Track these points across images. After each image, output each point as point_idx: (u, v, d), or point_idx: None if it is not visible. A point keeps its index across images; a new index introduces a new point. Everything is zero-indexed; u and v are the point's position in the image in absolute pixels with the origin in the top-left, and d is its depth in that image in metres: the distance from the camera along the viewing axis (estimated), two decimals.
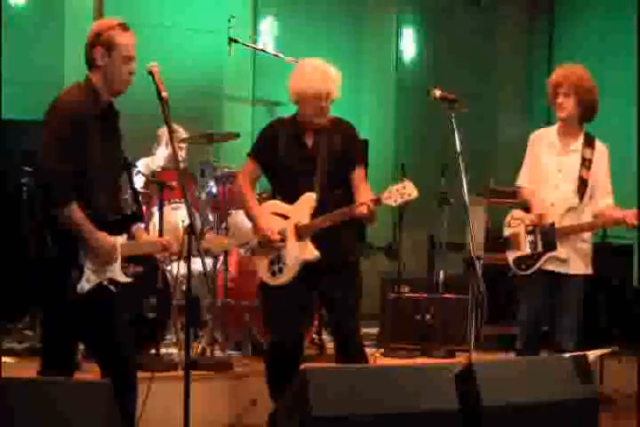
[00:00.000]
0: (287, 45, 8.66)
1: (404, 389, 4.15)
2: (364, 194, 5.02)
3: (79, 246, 4.16)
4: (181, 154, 7.15)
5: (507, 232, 5.73)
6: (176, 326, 6.36)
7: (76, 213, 4.12)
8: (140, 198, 6.56)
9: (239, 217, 6.70)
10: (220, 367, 5.91)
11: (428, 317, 7.14)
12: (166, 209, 6.37)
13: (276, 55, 7.74)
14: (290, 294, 5.06)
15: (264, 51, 8.07)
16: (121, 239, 4.31)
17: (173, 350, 6.25)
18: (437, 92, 5.11)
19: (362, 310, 5.20)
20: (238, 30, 7.98)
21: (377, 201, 4.86)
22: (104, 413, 3.64)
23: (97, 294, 4.21)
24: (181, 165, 6.88)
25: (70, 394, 3.68)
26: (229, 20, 7.79)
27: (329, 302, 5.15)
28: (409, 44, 10.00)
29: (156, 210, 6.47)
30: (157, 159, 7.38)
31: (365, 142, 5.47)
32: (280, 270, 5.09)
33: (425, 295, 7.26)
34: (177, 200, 6.62)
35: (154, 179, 6.58)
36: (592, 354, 4.69)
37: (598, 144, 5.65)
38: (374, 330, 7.49)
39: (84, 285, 4.16)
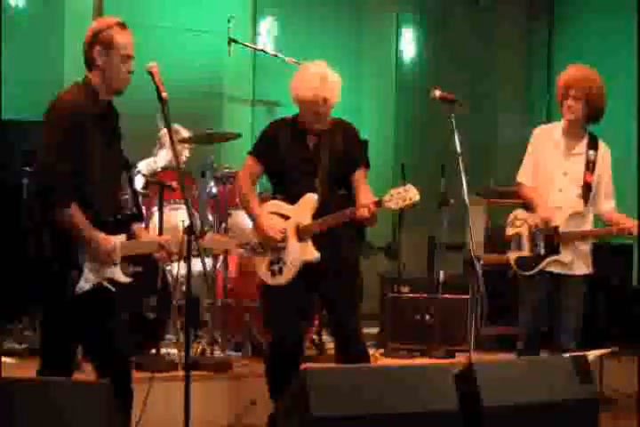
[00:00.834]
0: (287, 45, 8.65)
1: (404, 389, 4.15)
2: (365, 196, 5.02)
3: (78, 246, 4.15)
4: (185, 154, 7.14)
5: (509, 231, 5.71)
6: (176, 326, 6.36)
7: (76, 213, 4.11)
8: (140, 199, 6.60)
9: (239, 217, 6.70)
10: (220, 368, 5.91)
11: (427, 317, 7.14)
12: (166, 209, 6.37)
13: (275, 55, 7.74)
14: (290, 295, 5.06)
15: (264, 51, 8.07)
16: (120, 239, 4.30)
17: (173, 351, 6.24)
18: (437, 93, 5.11)
19: (362, 310, 5.21)
20: (238, 30, 7.97)
21: (378, 203, 4.86)
22: (103, 413, 3.64)
23: (96, 294, 4.20)
24: (182, 166, 6.89)
25: (69, 394, 3.68)
26: (229, 21, 7.79)
27: (329, 302, 5.15)
28: (409, 45, 9.98)
29: (155, 210, 6.47)
30: (159, 160, 7.38)
31: (365, 143, 5.46)
32: (280, 271, 5.09)
33: (425, 295, 7.25)
34: (177, 200, 6.62)
35: (154, 179, 6.58)
36: (592, 354, 4.70)
37: (602, 145, 5.64)
38: (374, 330, 7.48)
39: (83, 285, 4.16)
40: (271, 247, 5.11)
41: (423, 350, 6.99)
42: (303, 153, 5.13)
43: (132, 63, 4.29)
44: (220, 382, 5.83)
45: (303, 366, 4.83)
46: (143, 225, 6.28)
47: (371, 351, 6.06)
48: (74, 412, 3.62)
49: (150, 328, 6.05)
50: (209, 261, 6.50)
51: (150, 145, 7.33)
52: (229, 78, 8.82)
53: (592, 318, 7.20)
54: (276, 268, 5.11)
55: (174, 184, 6.19)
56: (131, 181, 4.71)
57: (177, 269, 6.19)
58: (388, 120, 9.67)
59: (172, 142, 4.36)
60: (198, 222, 6.64)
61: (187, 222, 4.30)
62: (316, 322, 6.64)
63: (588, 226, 5.59)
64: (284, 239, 5.08)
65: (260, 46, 8.37)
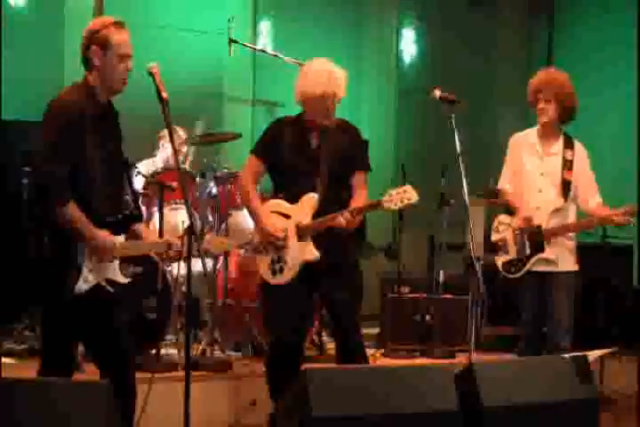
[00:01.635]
0: (287, 46, 8.64)
1: (404, 389, 4.15)
2: (355, 201, 5.05)
3: (77, 247, 4.16)
4: (188, 157, 7.15)
5: (494, 237, 5.84)
6: (176, 326, 6.36)
7: (75, 212, 4.11)
8: (140, 199, 6.60)
9: (239, 218, 6.71)
10: (220, 368, 5.92)
11: (427, 317, 7.14)
12: (166, 210, 6.37)
13: (275, 55, 7.75)
14: (290, 294, 5.06)
15: (264, 51, 8.07)
16: (119, 239, 4.30)
17: (173, 351, 6.25)
18: (437, 93, 5.12)
19: (362, 310, 5.21)
20: (238, 31, 7.98)
21: (377, 204, 4.86)
22: (103, 413, 3.64)
23: (95, 295, 4.20)
24: (182, 166, 6.90)
25: (70, 395, 3.68)
26: (229, 21, 7.79)
27: (329, 302, 5.15)
28: (409, 45, 9.99)
29: (156, 210, 6.47)
30: (159, 161, 7.38)
31: (366, 143, 5.48)
32: (281, 270, 5.10)
33: (425, 296, 7.26)
34: (177, 201, 6.62)
35: (153, 180, 6.58)
36: (592, 354, 4.70)
37: (577, 145, 5.78)
38: (374, 330, 7.49)
39: (82, 285, 4.15)
40: (272, 247, 5.11)
41: (423, 351, 7.00)
42: (305, 152, 5.13)
43: (129, 62, 4.29)
44: (220, 382, 5.84)
45: (303, 366, 4.83)
46: (148, 226, 6.31)
47: (371, 352, 6.08)
48: (74, 412, 3.61)
49: (150, 329, 6.05)
50: (209, 262, 6.50)
51: (151, 146, 7.34)
52: (229, 78, 8.82)
53: (592, 318, 7.22)
54: (276, 267, 5.11)
55: (174, 184, 6.20)
56: (130, 181, 4.71)
57: (177, 269, 6.21)
58: (388, 120, 9.68)
59: (173, 143, 4.35)
60: (198, 223, 6.64)
61: (187, 223, 4.30)
62: (316, 322, 6.64)
63: (570, 222, 5.69)
64: (285, 238, 5.08)
65: (260, 47, 8.37)
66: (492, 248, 5.84)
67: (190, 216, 4.32)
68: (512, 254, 5.72)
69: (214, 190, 6.76)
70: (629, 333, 7.11)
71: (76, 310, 4.17)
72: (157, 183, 6.29)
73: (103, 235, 4.20)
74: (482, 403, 4.18)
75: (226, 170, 6.81)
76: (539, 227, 5.62)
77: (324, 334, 6.75)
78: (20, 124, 7.05)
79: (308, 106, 5.09)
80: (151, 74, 4.30)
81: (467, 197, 4.91)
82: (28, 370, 4.62)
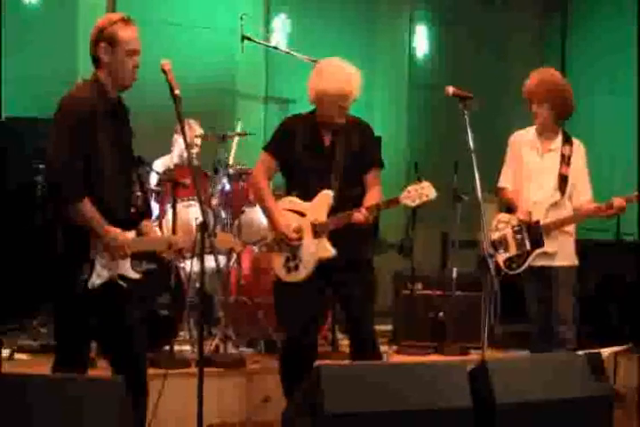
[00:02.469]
0: (300, 43, 8.64)
1: (417, 386, 4.15)
2: (369, 198, 5.05)
3: (90, 242, 4.17)
4: (194, 149, 7.16)
5: (494, 236, 5.85)
6: (189, 323, 6.37)
7: (88, 208, 4.12)
8: (152, 196, 6.60)
9: (252, 214, 6.70)
10: (234, 364, 5.92)
11: (440, 314, 7.14)
12: (179, 207, 6.37)
13: (288, 53, 7.72)
14: (304, 292, 5.06)
15: (276, 48, 8.06)
16: (131, 235, 4.31)
17: (187, 348, 6.26)
18: (451, 89, 5.11)
19: (375, 307, 5.21)
20: (251, 28, 7.97)
21: (394, 201, 4.86)
22: (117, 410, 3.65)
23: (108, 291, 4.21)
24: (195, 162, 6.90)
25: (83, 391, 3.69)
26: (242, 18, 7.78)
27: (345, 299, 5.14)
28: (422, 41, 9.97)
29: (168, 207, 6.47)
30: (175, 157, 7.39)
31: (378, 140, 5.48)
32: (296, 267, 5.09)
33: (438, 293, 7.26)
34: (190, 198, 6.62)
35: (166, 176, 6.58)
36: (606, 351, 4.69)
37: (575, 141, 5.85)
38: (387, 327, 7.48)
39: (95, 280, 4.17)
40: (287, 245, 5.11)
41: (436, 348, 6.98)
42: (319, 149, 5.12)
43: (137, 58, 4.29)
44: (233, 378, 5.84)
45: (317, 362, 4.83)
46: (154, 222, 6.32)
47: (383, 349, 6.06)
48: (88, 409, 3.63)
49: (164, 325, 6.06)
50: (222, 258, 6.50)
51: (167, 143, 7.35)
52: (242, 75, 8.83)
53: (606, 315, 7.20)
54: (291, 264, 5.11)
55: (187, 181, 6.20)
56: (141, 179, 4.72)
57: (190, 266, 6.23)
58: (401, 117, 9.66)
59: (185, 139, 4.36)
60: (211, 220, 6.64)
61: (200, 220, 4.31)
62: (329, 319, 6.63)
63: (567, 216, 5.74)
64: (300, 236, 5.08)
65: (272, 44, 8.36)
66: (492, 246, 5.85)
67: (203, 213, 4.33)
68: (512, 251, 5.77)
69: (227, 187, 6.76)
70: None
71: (89, 306, 4.18)
72: (170, 180, 6.29)
73: (116, 231, 4.22)
74: (495, 400, 4.18)
75: (239, 166, 6.82)
76: (537, 222, 5.68)
77: (337, 330, 6.74)
78: (31, 120, 7.07)
79: (323, 105, 5.08)
80: (164, 71, 4.31)
81: (480, 194, 4.90)
82: (42, 366, 4.64)
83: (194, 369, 5.50)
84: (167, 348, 5.99)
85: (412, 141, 9.61)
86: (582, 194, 5.76)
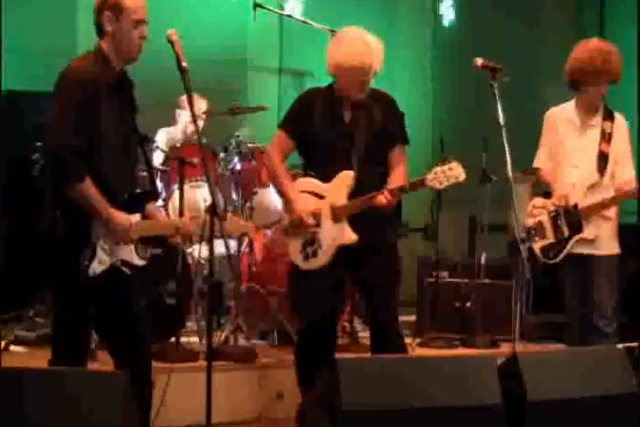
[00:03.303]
0: (316, 11, 8.60)
1: (441, 381, 4.14)
2: (395, 179, 5.02)
3: (91, 225, 4.17)
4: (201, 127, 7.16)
5: (530, 222, 5.81)
6: (197, 313, 6.38)
7: (90, 189, 4.12)
8: (158, 176, 6.61)
9: (265, 196, 6.71)
10: (245, 357, 5.93)
11: (468, 304, 7.14)
12: (186, 187, 6.38)
13: (304, 22, 7.69)
14: (323, 279, 5.05)
15: (291, 17, 8.03)
16: (135, 218, 4.31)
17: (194, 339, 6.28)
18: (479, 61, 5.09)
19: (398, 296, 5.20)
20: None
21: (420, 183, 4.83)
22: (121, 406, 3.66)
23: (110, 278, 4.22)
24: (203, 140, 6.90)
25: (84, 385, 3.70)
26: None
27: (367, 286, 5.14)
28: (448, 9, 9.91)
29: (175, 188, 6.48)
30: (178, 131, 7.39)
31: (402, 115, 5.45)
32: (314, 253, 5.08)
33: (465, 281, 7.25)
34: (198, 178, 6.62)
35: (173, 154, 6.58)
36: None
37: (618, 117, 5.77)
38: (410, 318, 7.48)
39: (97, 267, 4.17)
40: (304, 229, 5.10)
41: (463, 340, 6.99)
42: (339, 126, 5.10)
43: (144, 28, 4.29)
44: (244, 372, 5.85)
45: (335, 355, 4.84)
46: (160, 204, 6.33)
47: (406, 341, 6.06)
48: (89, 404, 3.63)
49: (170, 315, 6.08)
50: (233, 243, 6.51)
51: (169, 116, 7.36)
52: (254, 46, 8.81)
53: None
54: (309, 251, 5.10)
55: (195, 160, 6.19)
56: (146, 156, 4.71)
57: (198, 251, 6.23)
58: (425, 91, 9.63)
59: (193, 114, 4.35)
60: (221, 202, 6.65)
61: (209, 201, 4.30)
62: (348, 308, 6.64)
63: (608, 197, 5.66)
64: (318, 220, 5.07)
65: (287, 12, 8.33)
66: (528, 233, 5.83)
67: (212, 194, 4.33)
68: (550, 238, 5.72)
69: (238, 166, 6.76)
70: None
71: (91, 294, 4.19)
72: (177, 159, 6.29)
73: (119, 214, 4.22)
74: (526, 397, 4.17)
75: (251, 144, 6.81)
76: (575, 206, 5.62)
77: (355, 321, 6.74)
78: (31, 95, 7.08)
79: (343, 78, 5.05)
80: (170, 41, 4.30)
81: (511, 173, 4.88)
82: (40, 359, 4.66)
83: (202, 363, 5.51)
84: (173, 340, 6.01)
85: (437, 117, 9.57)
86: (624, 173, 5.68)
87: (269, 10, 7.86)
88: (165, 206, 6.63)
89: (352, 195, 5.02)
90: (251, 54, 8.83)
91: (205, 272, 6.39)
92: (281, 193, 5.25)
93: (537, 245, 5.77)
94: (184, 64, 4.27)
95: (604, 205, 5.62)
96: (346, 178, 5.04)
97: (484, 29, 9.69)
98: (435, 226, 7.58)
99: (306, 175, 5.22)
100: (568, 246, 5.65)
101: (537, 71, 9.79)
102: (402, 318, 5.79)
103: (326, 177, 5.09)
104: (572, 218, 5.64)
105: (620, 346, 4.62)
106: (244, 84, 8.68)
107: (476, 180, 7.13)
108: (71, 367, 4.09)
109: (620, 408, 4.31)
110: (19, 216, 6.69)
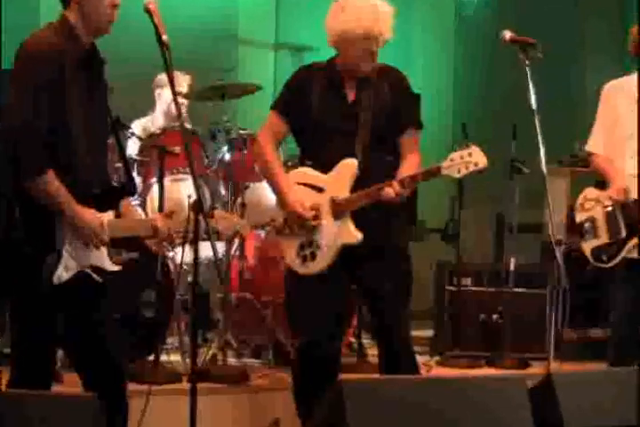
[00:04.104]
0: None
1: (463, 407, 4.14)
2: (406, 168, 5.02)
3: (56, 226, 4.17)
4: (185, 111, 7.17)
5: (580, 217, 5.78)
6: (179, 326, 6.39)
7: (53, 182, 4.11)
8: (134, 168, 6.61)
9: (259, 191, 6.71)
10: (235, 379, 5.94)
11: (495, 316, 7.15)
12: (167, 181, 6.38)
13: None
14: (324, 287, 5.06)
15: None
16: (108, 217, 4.31)
17: (176, 357, 6.28)
18: (508, 34, 5.09)
19: (411, 306, 5.20)
20: None
21: (434, 171, 4.83)
22: None
23: (78, 286, 4.21)
24: (187, 126, 6.91)
25: (49, 411, 3.70)
26: None
27: (371, 296, 5.15)
28: None
29: (154, 181, 6.48)
30: (156, 118, 7.40)
31: (416, 96, 5.45)
32: (313, 256, 5.08)
33: (492, 289, 7.27)
34: (181, 169, 6.63)
35: (151, 142, 6.58)
36: None
37: None
38: (427, 333, 7.50)
39: (62, 273, 4.16)
40: (301, 227, 5.10)
41: (489, 358, 7.00)
42: (341, 107, 5.11)
43: None
44: (234, 396, 5.87)
45: (339, 376, 4.84)
46: (136, 201, 6.33)
47: (423, 359, 6.08)
48: None
49: (148, 329, 6.09)
50: (221, 246, 6.52)
51: (144, 101, 7.37)
52: (246, 17, 8.84)
53: None
54: (307, 253, 5.10)
55: (177, 149, 6.20)
56: (121, 145, 4.71)
57: (181, 255, 6.23)
58: (446, 69, 9.65)
59: (174, 93, 4.34)
60: (208, 197, 6.65)
61: (193, 197, 4.31)
62: (354, 321, 6.65)
63: None
64: (316, 217, 5.07)
65: None
66: (578, 230, 5.81)
67: (197, 189, 4.33)
68: (603, 238, 5.68)
69: (227, 156, 6.77)
70: None
71: (55, 305, 4.18)
72: (157, 147, 6.29)
73: (88, 212, 4.21)
74: (562, 424, 4.17)
75: (242, 131, 6.81)
76: (636, 201, 5.57)
77: (363, 336, 6.76)
78: None
79: (346, 49, 5.06)
80: (148, 11, 4.30)
81: (544, 165, 4.89)
82: None
83: (185, 385, 5.52)
84: (152, 358, 6.01)
85: (459, 98, 9.60)
86: None
87: None
88: (143, 203, 6.63)
89: (356, 187, 5.02)
90: (242, 27, 8.84)
91: (189, 279, 6.39)
92: (272, 185, 5.24)
93: (587, 245, 5.74)
94: (164, 37, 4.27)
95: None
96: (349, 167, 5.03)
97: (513, 3, 9.71)
98: (456, 225, 7.58)
99: (302, 165, 5.21)
100: (625, 249, 5.59)
101: (577, 47, 9.80)
102: (417, 333, 5.81)
103: (326, 167, 5.08)
104: (631, 216, 5.57)
105: None
106: (234, 61, 8.69)
107: (505, 172, 7.14)
108: (34, 390, 4.09)
109: None
110: None
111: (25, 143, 4.09)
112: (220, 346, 6.29)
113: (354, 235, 4.99)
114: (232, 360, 6.31)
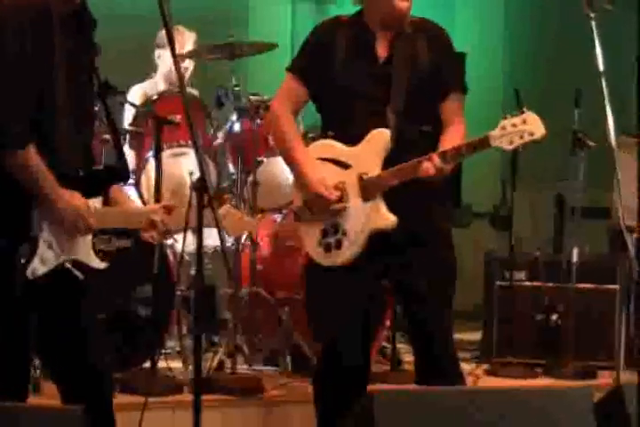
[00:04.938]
0: None
1: (516, 423, 4.14)
2: (450, 139, 4.99)
3: (33, 210, 4.16)
4: (189, 70, 7.19)
5: None
6: (180, 328, 6.41)
7: (32, 159, 4.11)
8: (127, 141, 6.62)
9: (274, 167, 6.72)
10: (246, 390, 5.96)
11: (554, 317, 7.14)
12: (165, 156, 6.39)
13: None
14: (351, 282, 5.05)
15: None
16: (94, 203, 4.31)
17: (177, 364, 6.30)
18: None
19: (455, 304, 5.20)
20: None
21: (482, 142, 4.80)
22: None
23: (56, 282, 4.22)
24: (191, 90, 6.91)
25: (29, 425, 3.71)
26: None
27: (408, 293, 5.14)
28: None
29: (150, 157, 6.49)
30: (158, 83, 7.41)
31: (462, 57, 5.43)
32: (338, 244, 5.07)
33: (550, 284, 7.25)
34: (181, 142, 6.64)
35: (148, 110, 6.59)
36: None
37: None
38: (474, 336, 7.50)
39: (37, 267, 4.16)
40: (324, 211, 5.09)
41: (547, 367, 7.00)
42: (370, 67, 5.09)
43: None
44: (245, 409, 5.90)
45: (369, 386, 4.85)
46: (128, 187, 6.34)
47: (469, 367, 6.07)
48: None
49: (143, 331, 6.11)
50: None
51: (143, 67, 7.40)
52: None
53: None
54: (331, 240, 5.08)
55: (177, 118, 6.20)
56: (109, 114, 4.70)
57: (182, 244, 6.24)
58: (495, 23, 9.64)
59: (173, 52, 4.34)
60: (213, 176, 6.66)
61: (196, 174, 4.31)
62: (387, 322, 6.66)
63: None
64: (342, 199, 5.06)
65: None
66: None
67: (201, 165, 4.33)
68: None
69: (237, 127, 6.77)
70: None
71: (29, 304, 4.19)
72: (153, 117, 6.30)
73: (73, 195, 4.21)
74: None
75: (253, 96, 6.81)
76: None
77: (398, 339, 6.76)
78: None
79: (374, 1, 5.06)
80: None
81: (613, 138, 4.87)
82: None
83: (187, 396, 5.54)
84: (148, 365, 6.03)
85: (511, 58, 9.58)
86: None
87: None
88: (137, 182, 6.64)
89: (388, 163, 5.01)
90: None
91: (192, 272, 6.40)
92: (289, 161, 5.22)
93: None
94: None
95: None
96: (380, 139, 5.01)
97: None
98: (508, 210, 7.57)
99: (325, 137, 5.20)
100: None
101: None
102: (461, 336, 5.80)
103: (352, 139, 5.07)
104: None
105: None
106: (246, 15, 8.70)
107: (565, 146, 7.12)
108: (8, 403, 4.10)
109: None
110: None
111: (5, 113, 4.09)
112: (228, 351, 6.30)
113: (386, 218, 4.97)
114: (242, 368, 6.33)
